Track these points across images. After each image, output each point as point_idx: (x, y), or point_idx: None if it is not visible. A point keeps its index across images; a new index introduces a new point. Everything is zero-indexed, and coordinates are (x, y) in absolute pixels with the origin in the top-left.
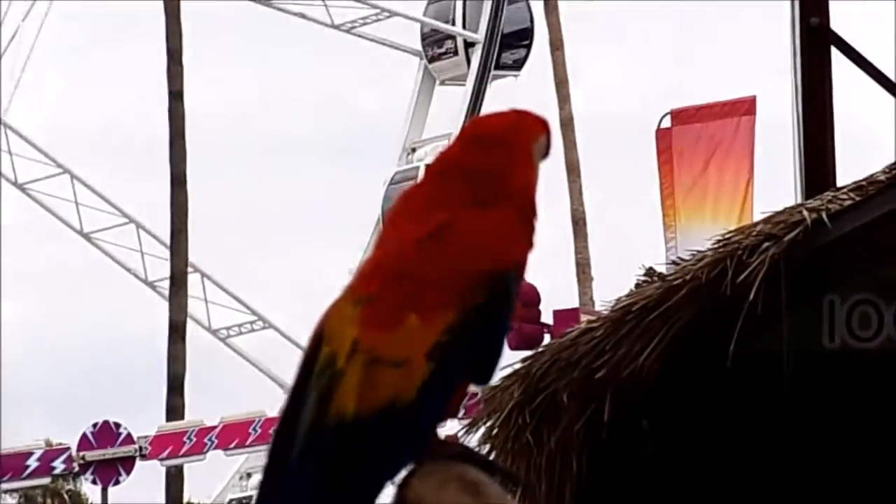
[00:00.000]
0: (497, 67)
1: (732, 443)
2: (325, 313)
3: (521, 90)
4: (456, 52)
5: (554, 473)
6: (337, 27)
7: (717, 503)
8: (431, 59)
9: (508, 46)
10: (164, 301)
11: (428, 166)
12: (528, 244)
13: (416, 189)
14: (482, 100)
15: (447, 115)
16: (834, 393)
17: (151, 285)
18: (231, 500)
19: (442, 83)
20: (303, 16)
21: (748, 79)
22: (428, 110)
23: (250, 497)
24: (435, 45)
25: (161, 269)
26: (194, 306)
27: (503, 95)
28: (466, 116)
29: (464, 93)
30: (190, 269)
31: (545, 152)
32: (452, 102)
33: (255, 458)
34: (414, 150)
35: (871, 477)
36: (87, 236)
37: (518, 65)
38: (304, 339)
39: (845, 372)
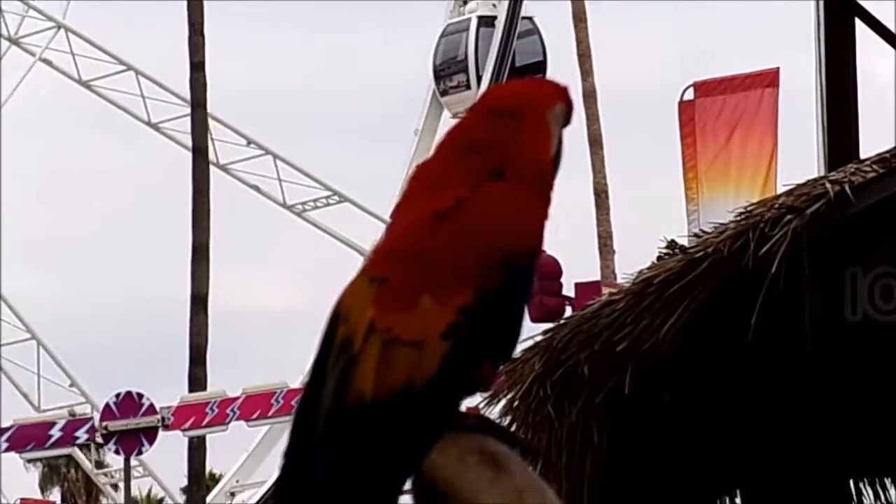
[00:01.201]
0: None
1: (753, 416)
2: (341, 293)
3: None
4: (469, 86)
5: (575, 445)
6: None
7: (737, 475)
8: (443, 93)
9: (521, 76)
10: (168, 141)
11: (440, 139)
12: (544, 219)
13: (429, 164)
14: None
15: None
16: (856, 365)
17: (156, 126)
18: None
19: (454, 116)
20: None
21: (772, 50)
22: (433, 141)
23: None
24: (447, 78)
25: (165, 111)
26: (269, 184)
27: None
28: None
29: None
30: (259, 152)
31: (565, 120)
32: None
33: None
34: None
35: (891, 448)
36: (86, 84)
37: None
38: (383, 210)
39: (867, 344)
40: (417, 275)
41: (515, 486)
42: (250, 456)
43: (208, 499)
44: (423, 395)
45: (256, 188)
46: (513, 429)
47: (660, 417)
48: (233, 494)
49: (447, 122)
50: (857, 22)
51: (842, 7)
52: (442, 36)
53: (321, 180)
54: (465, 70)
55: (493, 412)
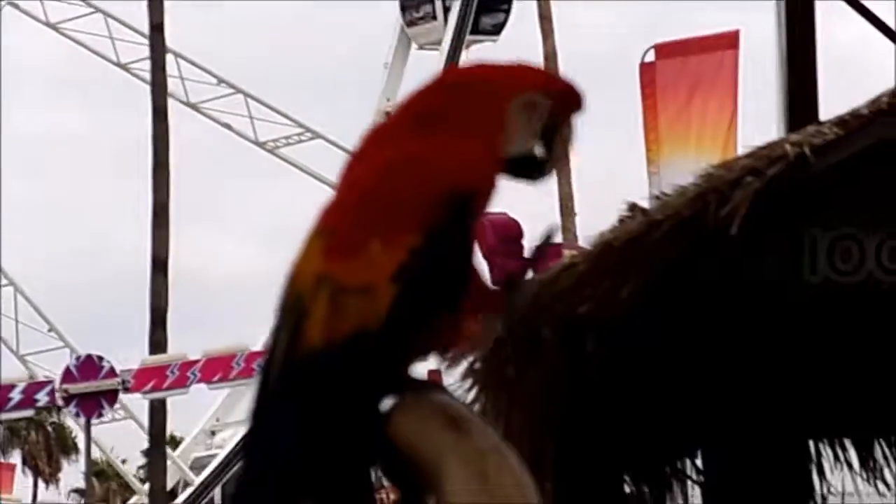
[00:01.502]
0: (476, 32)
1: (713, 377)
2: (296, 253)
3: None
4: (434, 17)
5: (536, 408)
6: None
7: (697, 435)
8: (409, 24)
9: (487, 10)
10: (141, 85)
11: (395, 108)
12: (488, 162)
13: (376, 129)
14: (458, 61)
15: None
16: (815, 326)
17: (125, 67)
18: (197, 458)
19: (420, 48)
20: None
21: (733, 12)
22: (402, 74)
23: (214, 455)
24: (413, 9)
25: (134, 52)
26: (239, 122)
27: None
28: None
29: (439, 56)
30: (230, 91)
31: (556, 113)
32: (430, 67)
33: (222, 411)
34: (388, 113)
35: (850, 408)
36: (54, 27)
37: (497, 29)
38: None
39: (827, 306)
40: (364, 222)
41: (477, 448)
42: (190, 443)
43: (188, 438)
44: (375, 339)
45: (228, 126)
46: (473, 392)
47: (621, 379)
48: (213, 433)
49: (415, 55)
50: None
51: None
52: None
53: (293, 117)
54: (432, 1)
55: (455, 374)
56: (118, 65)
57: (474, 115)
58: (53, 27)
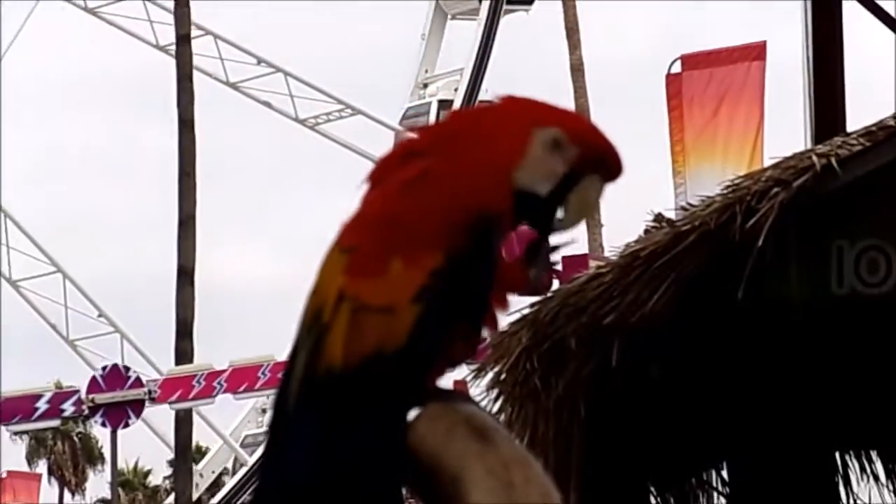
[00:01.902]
0: (508, 2)
1: (739, 388)
2: (318, 267)
3: (533, 36)
4: None
5: (562, 418)
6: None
7: (723, 447)
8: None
9: None
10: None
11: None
12: (508, 183)
13: (400, 145)
14: (495, 33)
15: (460, 50)
16: (841, 338)
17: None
18: (246, 436)
19: (453, 17)
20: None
21: (760, 24)
22: (440, 45)
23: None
24: None
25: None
26: (281, 100)
27: (514, 33)
28: (479, 50)
29: (476, 26)
30: (271, 70)
31: (560, 152)
32: (466, 37)
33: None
34: (426, 85)
35: (877, 421)
36: (92, 11)
37: (528, 0)
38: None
39: (853, 318)
40: (387, 241)
41: (502, 458)
42: (242, 421)
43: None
44: (395, 360)
45: (268, 104)
46: (499, 402)
47: (647, 390)
48: (264, 411)
49: (452, 26)
50: None
51: None
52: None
53: (333, 94)
54: None
55: (481, 385)
56: (156, 47)
57: (498, 135)
58: (92, 12)
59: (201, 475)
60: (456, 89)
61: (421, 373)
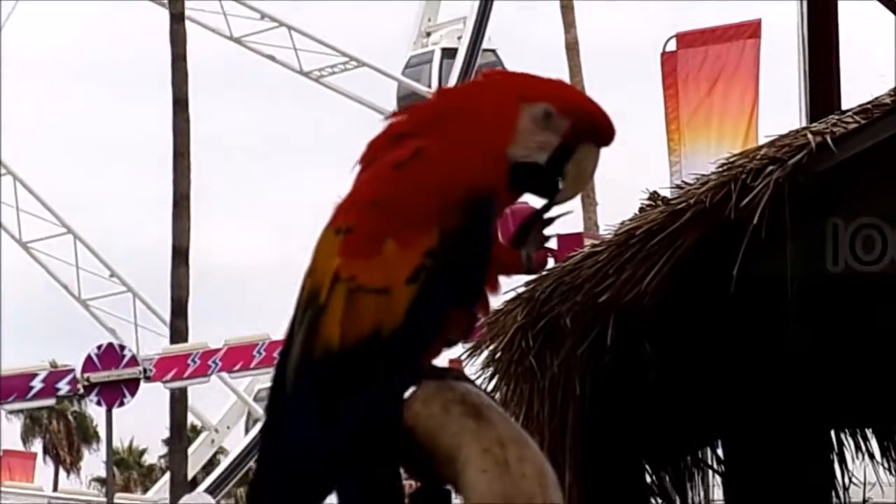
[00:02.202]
0: None
1: (735, 366)
2: (313, 247)
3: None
4: None
5: (557, 397)
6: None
7: (719, 425)
8: None
9: None
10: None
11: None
12: (502, 160)
13: (392, 124)
14: None
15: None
16: (837, 316)
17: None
18: (259, 391)
19: None
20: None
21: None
22: None
23: None
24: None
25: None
26: (283, 53)
27: None
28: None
29: None
30: (274, 25)
31: (551, 124)
32: None
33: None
34: (429, 34)
35: (872, 399)
36: None
37: None
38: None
39: (848, 295)
40: (381, 221)
41: (497, 436)
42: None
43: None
44: (392, 340)
45: (272, 57)
46: (494, 380)
47: (641, 368)
48: None
49: None
50: None
51: None
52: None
53: (337, 47)
54: None
55: (476, 363)
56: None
57: (486, 112)
58: None
59: (216, 430)
60: (459, 37)
61: (418, 352)
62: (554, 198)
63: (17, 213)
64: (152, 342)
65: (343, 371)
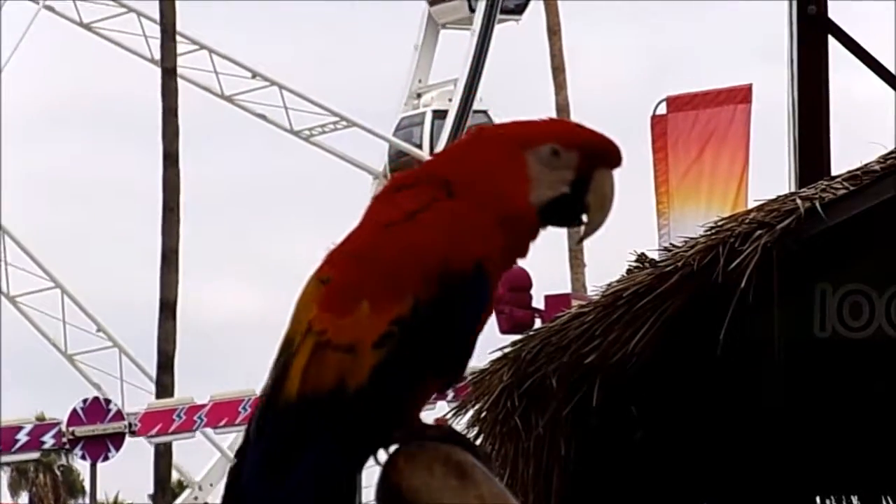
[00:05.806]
0: (500, 11)
1: (721, 430)
2: (298, 294)
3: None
4: None
5: (542, 457)
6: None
7: (704, 488)
8: (433, 3)
9: None
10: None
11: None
12: (490, 237)
13: (396, 179)
14: (489, 42)
15: (454, 61)
16: (823, 382)
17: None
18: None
19: (443, 27)
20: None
21: (745, 65)
22: (433, 55)
23: None
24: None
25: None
26: (274, 112)
27: (503, 44)
28: (473, 60)
29: (469, 36)
30: (265, 84)
31: (561, 160)
32: (460, 47)
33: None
34: (419, 95)
35: (861, 465)
36: (88, 27)
37: (519, 9)
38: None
39: (836, 362)
40: (359, 280)
41: (480, 495)
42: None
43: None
44: (354, 400)
45: (263, 117)
46: (479, 440)
47: (627, 430)
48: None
49: (445, 36)
50: (831, 39)
51: (815, 24)
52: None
53: (328, 106)
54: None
55: (461, 423)
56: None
57: (495, 172)
58: (87, 27)
59: (200, 488)
60: (450, 99)
61: (384, 415)
62: (583, 232)
63: (5, 267)
64: (138, 398)
65: (298, 424)
